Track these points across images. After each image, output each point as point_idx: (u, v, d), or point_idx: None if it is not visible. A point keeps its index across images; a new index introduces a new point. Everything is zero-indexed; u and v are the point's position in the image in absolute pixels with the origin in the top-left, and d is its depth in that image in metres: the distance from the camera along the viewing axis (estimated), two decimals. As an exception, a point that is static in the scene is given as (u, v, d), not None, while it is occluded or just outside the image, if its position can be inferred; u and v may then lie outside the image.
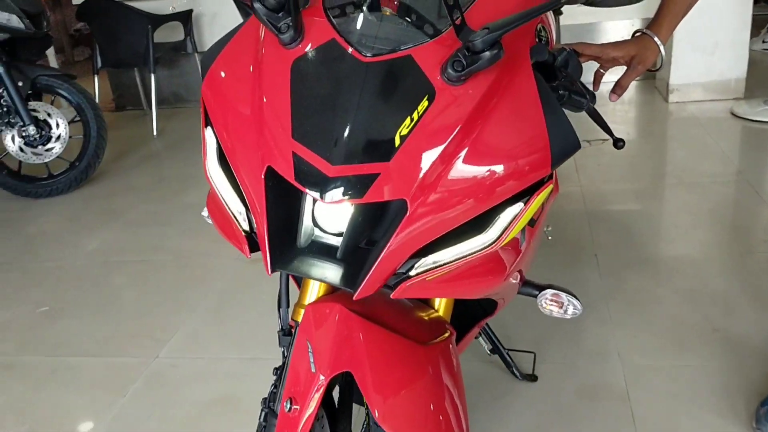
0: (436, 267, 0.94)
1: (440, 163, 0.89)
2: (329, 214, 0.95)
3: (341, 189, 0.87)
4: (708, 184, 3.01)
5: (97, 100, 4.74)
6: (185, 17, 4.69)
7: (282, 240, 0.95)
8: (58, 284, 2.75)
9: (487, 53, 0.87)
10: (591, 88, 1.26)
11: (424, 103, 0.90)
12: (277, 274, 1.04)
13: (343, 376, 1.08)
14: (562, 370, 1.91)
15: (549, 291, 1.28)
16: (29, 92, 3.49)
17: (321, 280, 0.96)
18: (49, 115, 3.58)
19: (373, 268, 0.90)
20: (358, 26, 1.01)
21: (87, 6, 4.54)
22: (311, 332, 1.03)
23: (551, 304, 1.28)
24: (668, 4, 1.33)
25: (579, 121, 1.28)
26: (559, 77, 1.14)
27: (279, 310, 1.24)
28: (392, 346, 1.01)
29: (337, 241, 0.95)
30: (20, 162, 3.62)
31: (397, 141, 0.88)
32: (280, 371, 1.22)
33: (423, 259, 0.94)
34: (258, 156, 0.93)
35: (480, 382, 1.89)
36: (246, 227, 1.00)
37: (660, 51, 1.35)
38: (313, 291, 1.09)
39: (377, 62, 0.92)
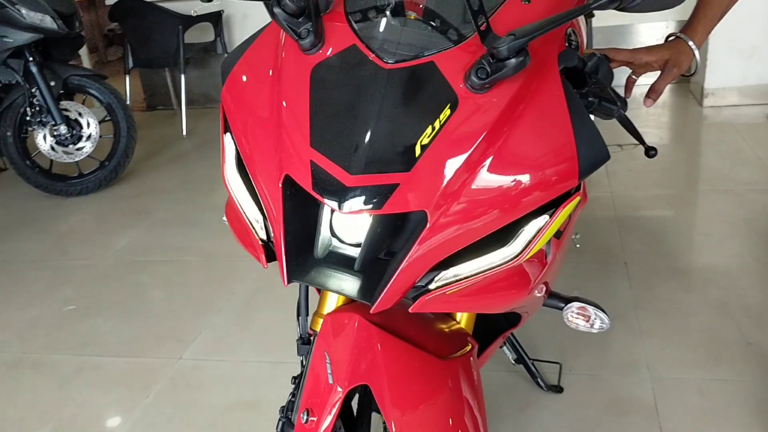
0: (457, 281, 0.91)
1: (462, 173, 0.86)
2: (347, 225, 0.93)
3: (359, 199, 0.85)
4: (743, 192, 2.93)
5: (128, 99, 4.82)
6: (216, 18, 4.72)
7: (299, 250, 0.94)
8: (86, 283, 2.77)
9: (513, 60, 0.84)
10: (622, 94, 1.22)
11: (447, 111, 0.87)
12: None
13: (363, 386, 1.06)
14: (588, 382, 1.87)
15: (575, 304, 1.24)
16: (61, 92, 3.54)
17: (338, 292, 0.94)
18: (80, 114, 3.63)
19: (390, 282, 0.88)
20: (380, 31, 0.98)
21: (119, 6, 4.60)
22: (329, 343, 1.01)
23: (577, 318, 1.24)
24: (703, 8, 1.29)
25: (611, 124, 1.24)
26: (589, 83, 1.10)
27: (298, 318, 1.22)
28: (411, 359, 0.99)
29: (355, 252, 0.93)
30: (51, 161, 3.67)
31: (418, 150, 0.85)
32: (298, 380, 1.20)
33: (443, 272, 0.92)
34: (276, 163, 0.91)
35: (504, 392, 1.85)
36: (263, 236, 0.98)
37: (695, 56, 1.31)
38: (332, 300, 1.07)
39: (398, 69, 0.89)
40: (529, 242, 0.92)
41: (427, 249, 0.87)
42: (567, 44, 1.21)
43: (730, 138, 3.58)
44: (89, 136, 3.64)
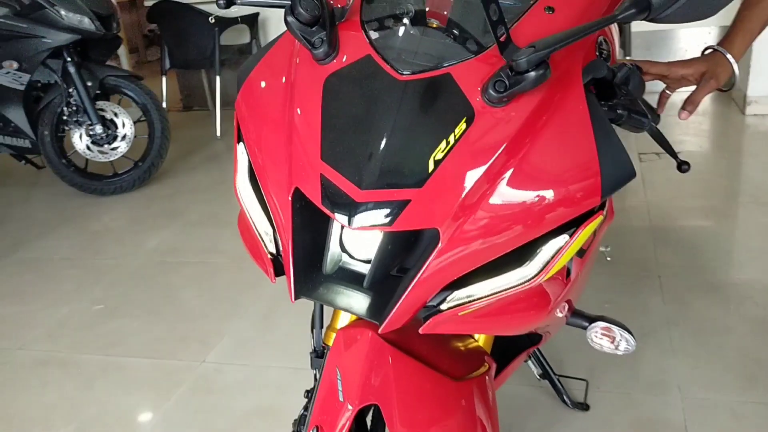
0: (470, 301, 0.88)
1: (477, 190, 0.83)
2: (358, 240, 0.91)
3: (369, 215, 0.82)
4: (786, 205, 2.83)
5: (164, 99, 4.87)
6: (252, 20, 4.74)
7: (308, 265, 0.91)
8: (116, 282, 2.80)
9: (532, 74, 0.80)
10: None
11: (462, 125, 0.84)
12: None
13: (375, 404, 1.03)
14: (616, 401, 1.81)
15: (600, 323, 1.20)
16: (97, 92, 3.59)
17: (346, 310, 0.91)
18: (115, 114, 3.67)
19: (400, 301, 0.85)
20: (397, 41, 0.95)
21: (157, 8, 4.65)
22: (341, 359, 0.98)
23: (602, 338, 1.20)
24: (743, 20, 1.23)
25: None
26: (619, 95, 1.06)
27: (312, 330, 1.20)
28: (423, 379, 0.96)
29: (365, 268, 0.90)
30: (87, 160, 3.72)
31: (431, 166, 0.82)
32: (310, 395, 1.18)
33: (456, 293, 0.88)
34: (287, 176, 0.89)
35: (528, 408, 1.81)
36: (272, 249, 0.96)
37: (733, 69, 1.25)
38: (346, 314, 1.05)
39: (413, 81, 0.86)
40: (548, 263, 0.88)
41: (439, 268, 0.84)
42: (598, 53, 1.17)
43: (774, 148, 3.47)
44: (124, 136, 3.68)
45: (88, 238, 3.28)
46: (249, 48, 4.82)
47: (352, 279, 0.92)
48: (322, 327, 1.17)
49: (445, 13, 1.00)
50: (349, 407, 0.95)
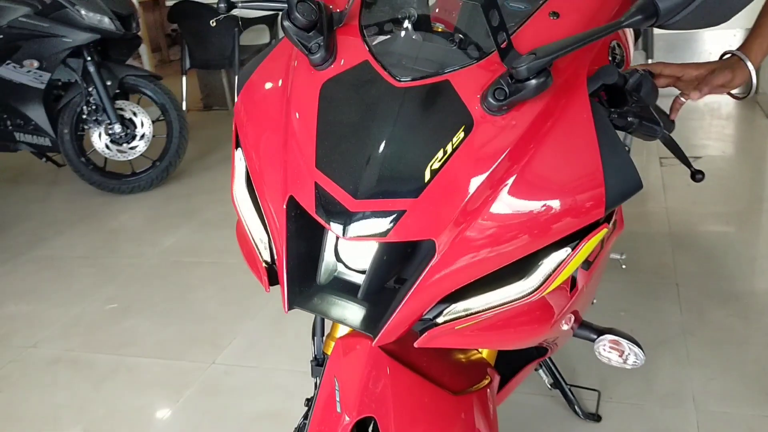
0: (467, 315, 0.85)
1: (475, 200, 0.81)
2: (353, 250, 0.89)
3: (364, 225, 0.80)
4: (811, 212, 2.76)
5: (185, 99, 4.89)
6: (271, 21, 4.75)
7: (302, 274, 0.89)
8: (130, 281, 2.81)
9: (533, 81, 0.77)
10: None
11: (460, 134, 0.81)
12: None
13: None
14: (628, 412, 1.77)
15: (608, 336, 1.16)
16: (117, 91, 3.61)
17: (340, 322, 0.89)
18: (134, 114, 3.69)
19: (395, 314, 0.82)
20: (397, 46, 0.93)
21: (178, 8, 4.67)
22: (339, 369, 0.96)
23: (610, 352, 1.16)
24: (761, 26, 1.18)
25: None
26: (630, 102, 1.02)
27: (313, 338, 1.18)
28: (421, 393, 0.94)
29: (361, 279, 0.88)
30: (105, 159, 3.75)
31: (427, 176, 0.80)
32: (310, 403, 1.16)
33: (452, 306, 0.86)
34: (282, 183, 0.87)
35: (538, 418, 1.77)
36: (267, 257, 0.94)
37: (751, 75, 1.20)
38: (345, 323, 1.02)
39: (411, 88, 0.84)
40: (549, 276, 0.85)
41: (435, 280, 0.82)
42: (611, 58, 1.14)
43: (800, 153, 3.39)
44: (143, 136, 3.70)
45: (104, 237, 3.30)
46: (268, 48, 4.83)
47: (347, 289, 0.90)
48: (322, 335, 1.15)
49: (449, 17, 0.98)
50: (347, 418, 0.93)
